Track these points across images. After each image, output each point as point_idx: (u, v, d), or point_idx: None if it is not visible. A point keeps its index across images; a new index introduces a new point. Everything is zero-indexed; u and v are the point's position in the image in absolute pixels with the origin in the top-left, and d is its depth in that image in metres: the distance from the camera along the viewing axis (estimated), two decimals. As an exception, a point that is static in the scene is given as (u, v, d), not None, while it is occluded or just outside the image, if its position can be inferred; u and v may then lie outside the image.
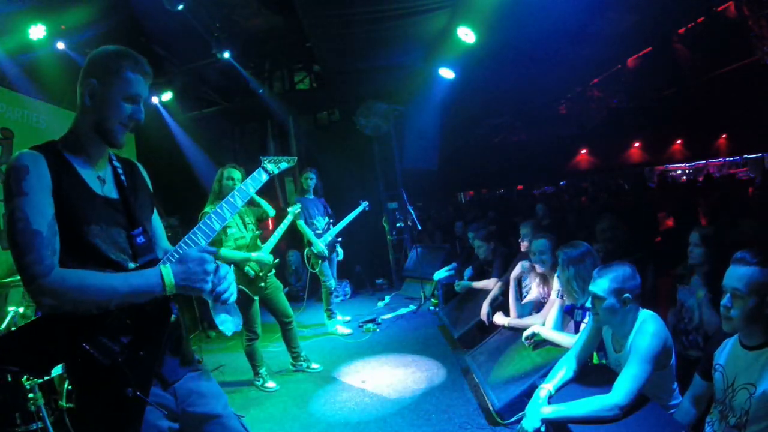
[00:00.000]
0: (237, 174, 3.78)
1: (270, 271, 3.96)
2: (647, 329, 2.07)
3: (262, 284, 3.86)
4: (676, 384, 2.25)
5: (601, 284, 2.16)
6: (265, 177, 1.77)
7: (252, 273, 3.80)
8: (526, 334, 3.13)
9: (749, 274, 1.69)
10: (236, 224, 3.87)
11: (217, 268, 1.47)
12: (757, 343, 1.72)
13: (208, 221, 1.57)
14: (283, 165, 1.86)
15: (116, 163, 1.59)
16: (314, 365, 4.31)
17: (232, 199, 1.65)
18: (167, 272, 1.37)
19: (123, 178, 1.57)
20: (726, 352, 1.84)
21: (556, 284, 3.38)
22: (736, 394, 1.72)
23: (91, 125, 1.45)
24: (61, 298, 1.26)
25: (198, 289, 1.41)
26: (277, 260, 4.00)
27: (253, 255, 3.81)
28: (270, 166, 1.80)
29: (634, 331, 2.13)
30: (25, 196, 1.29)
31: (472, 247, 5.23)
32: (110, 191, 1.51)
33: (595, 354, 2.93)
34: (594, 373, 2.38)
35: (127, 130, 1.49)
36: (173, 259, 1.44)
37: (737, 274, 1.72)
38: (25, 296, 3.60)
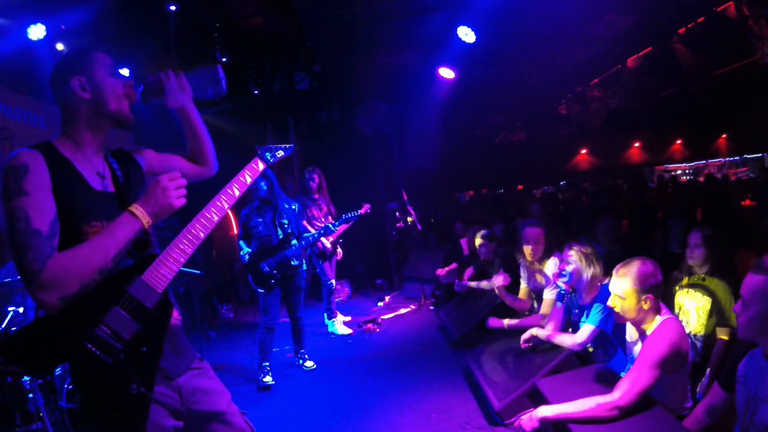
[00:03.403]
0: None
1: (292, 273, 4.05)
2: (661, 334, 2.04)
3: (272, 282, 3.94)
4: (690, 388, 2.23)
5: (623, 284, 2.13)
6: (261, 166, 1.76)
7: (266, 270, 3.91)
8: (524, 337, 3.12)
9: (756, 283, 1.62)
10: (264, 223, 4.00)
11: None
12: None
13: (207, 214, 1.54)
14: (280, 153, 1.85)
15: (111, 159, 1.59)
16: (308, 363, 4.34)
17: (231, 191, 1.63)
18: (137, 210, 1.41)
19: (119, 173, 1.57)
20: (750, 364, 1.76)
21: (551, 285, 3.39)
22: (758, 408, 1.64)
23: (91, 118, 1.48)
24: (64, 282, 1.25)
25: (169, 207, 1.45)
26: (299, 263, 4.10)
27: (247, 248, 4.08)
28: (266, 155, 1.80)
29: (649, 332, 2.11)
30: (26, 195, 1.29)
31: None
32: (108, 187, 1.51)
33: (590, 347, 2.94)
34: (594, 373, 2.38)
35: (129, 102, 1.54)
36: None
37: (747, 282, 1.66)
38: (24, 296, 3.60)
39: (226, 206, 1.59)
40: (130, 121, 1.55)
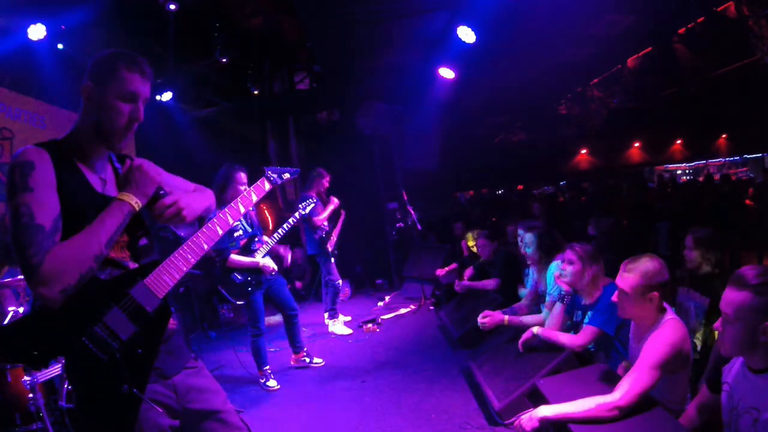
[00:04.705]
0: (243, 177, 3.82)
1: (261, 278, 3.91)
2: (663, 335, 2.03)
3: (249, 289, 3.84)
4: (689, 389, 2.23)
5: (629, 279, 2.12)
6: (268, 186, 1.85)
7: (238, 279, 3.80)
8: (525, 337, 3.11)
9: (739, 300, 1.56)
10: (243, 227, 3.91)
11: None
12: (762, 367, 1.60)
13: (211, 226, 1.60)
14: (286, 176, 1.96)
15: (117, 164, 1.60)
16: (317, 360, 4.36)
17: (235, 206, 1.69)
18: (123, 195, 1.43)
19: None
20: (734, 372, 1.73)
21: (553, 286, 3.38)
22: (741, 418, 1.63)
23: (91, 128, 1.45)
24: (63, 274, 1.26)
25: (150, 182, 1.48)
26: (275, 269, 3.97)
27: (261, 261, 3.83)
28: (273, 177, 1.88)
29: (652, 332, 2.10)
30: (31, 191, 1.30)
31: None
32: (110, 191, 1.52)
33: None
34: (594, 373, 2.38)
35: (128, 133, 1.48)
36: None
37: (729, 298, 1.60)
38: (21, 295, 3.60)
39: (231, 221, 1.66)
40: (116, 152, 1.55)
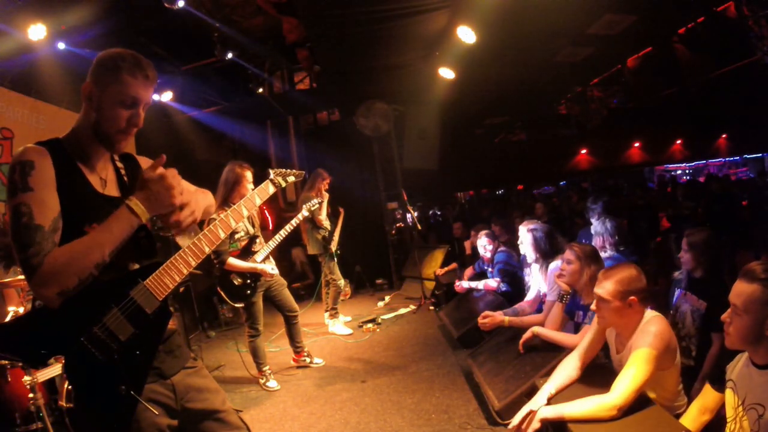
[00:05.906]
0: (250, 175, 3.79)
1: (260, 281, 3.87)
2: (649, 330, 2.05)
3: (248, 292, 3.81)
4: (681, 385, 2.24)
5: (607, 286, 2.13)
6: (272, 189, 1.85)
7: (236, 282, 3.78)
8: (525, 337, 3.11)
9: (749, 292, 1.59)
10: (245, 227, 3.86)
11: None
12: (766, 363, 1.62)
13: (214, 229, 1.59)
14: (290, 179, 1.97)
15: (118, 163, 1.59)
16: (317, 360, 4.37)
17: (238, 209, 1.69)
18: (137, 207, 1.38)
19: (126, 178, 1.57)
20: (738, 368, 1.75)
21: (554, 285, 3.38)
22: (746, 414, 1.65)
23: (90, 128, 1.44)
24: (61, 277, 1.26)
25: (168, 205, 1.42)
26: (275, 272, 3.92)
27: (259, 266, 3.78)
28: (278, 179, 1.90)
29: (636, 332, 2.12)
30: (31, 191, 1.29)
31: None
32: (111, 191, 1.51)
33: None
34: (594, 373, 2.38)
35: (126, 137, 1.46)
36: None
37: (739, 290, 1.63)
38: (21, 295, 3.60)
39: (233, 224, 1.66)
40: (116, 153, 1.54)
